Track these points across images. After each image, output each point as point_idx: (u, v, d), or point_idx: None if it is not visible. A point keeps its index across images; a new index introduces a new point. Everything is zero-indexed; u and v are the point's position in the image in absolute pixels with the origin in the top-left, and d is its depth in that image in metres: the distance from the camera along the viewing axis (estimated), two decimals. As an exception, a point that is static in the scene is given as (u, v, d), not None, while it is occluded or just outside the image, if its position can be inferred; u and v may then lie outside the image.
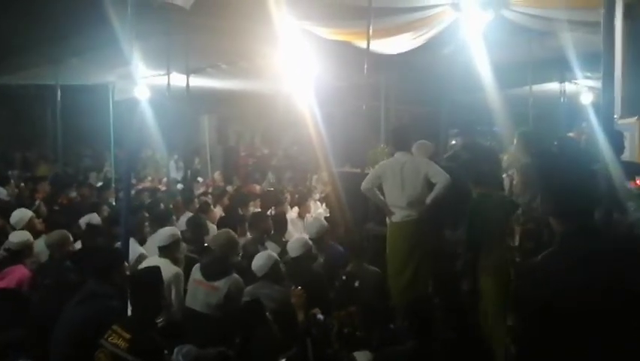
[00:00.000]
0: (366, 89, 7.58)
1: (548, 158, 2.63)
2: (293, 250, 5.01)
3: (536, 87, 9.73)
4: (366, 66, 6.91)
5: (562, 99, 10.80)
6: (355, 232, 5.97)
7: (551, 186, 2.05)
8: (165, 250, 4.69)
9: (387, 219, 5.31)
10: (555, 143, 5.64)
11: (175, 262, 4.63)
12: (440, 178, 4.97)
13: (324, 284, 4.84)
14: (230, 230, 4.96)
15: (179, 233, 4.93)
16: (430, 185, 5.07)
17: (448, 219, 5.38)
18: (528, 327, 1.93)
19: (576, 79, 9.96)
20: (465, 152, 6.07)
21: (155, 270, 3.56)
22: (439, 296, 4.78)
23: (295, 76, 8.22)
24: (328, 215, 7.10)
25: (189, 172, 10.77)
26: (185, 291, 4.54)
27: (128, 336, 3.21)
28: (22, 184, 8.38)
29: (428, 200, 5.03)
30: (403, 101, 10.06)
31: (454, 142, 8.64)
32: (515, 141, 5.86)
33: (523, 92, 9.67)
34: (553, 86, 10.64)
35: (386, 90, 9.30)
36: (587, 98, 9.91)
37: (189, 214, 6.73)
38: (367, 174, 5.77)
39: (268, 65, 8.17)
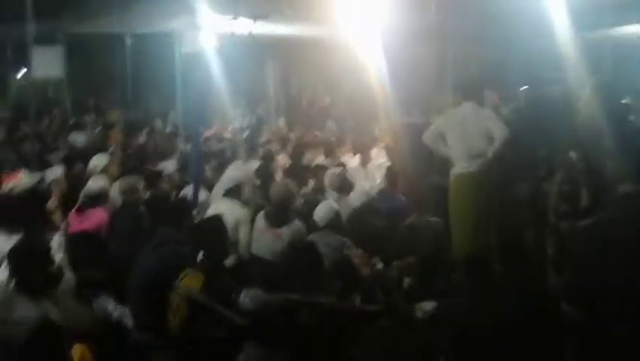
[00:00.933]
0: (434, 32, 7.38)
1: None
2: (354, 199, 5.08)
3: (615, 31, 9.18)
4: (434, 5, 6.69)
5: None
6: (418, 183, 5.96)
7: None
8: (230, 193, 4.87)
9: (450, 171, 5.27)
10: None
11: (241, 204, 4.79)
12: (499, 134, 4.88)
13: (384, 235, 4.91)
14: (288, 181, 5.06)
15: (242, 177, 5.09)
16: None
17: (512, 172, 5.30)
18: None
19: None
20: (528, 106, 5.87)
21: (215, 219, 3.73)
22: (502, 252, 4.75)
23: (359, 21, 8.09)
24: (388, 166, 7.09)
25: (254, 119, 10.91)
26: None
27: (201, 278, 3.40)
28: (97, 130, 8.74)
29: (489, 154, 4.96)
30: (470, 47, 9.71)
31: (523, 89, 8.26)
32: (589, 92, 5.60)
33: (600, 35, 9.14)
34: (634, 29, 9.97)
35: (454, 33, 8.99)
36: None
37: (254, 162, 6.87)
38: (431, 123, 5.71)
39: (332, 10, 8.04)
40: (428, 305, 3.90)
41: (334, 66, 10.68)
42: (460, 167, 5.07)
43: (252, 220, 4.76)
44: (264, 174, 5.93)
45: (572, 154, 5.01)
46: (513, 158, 4.99)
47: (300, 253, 3.83)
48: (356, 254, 4.22)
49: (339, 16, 8.16)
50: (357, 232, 4.76)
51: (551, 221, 4.80)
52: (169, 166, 6.03)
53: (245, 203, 4.91)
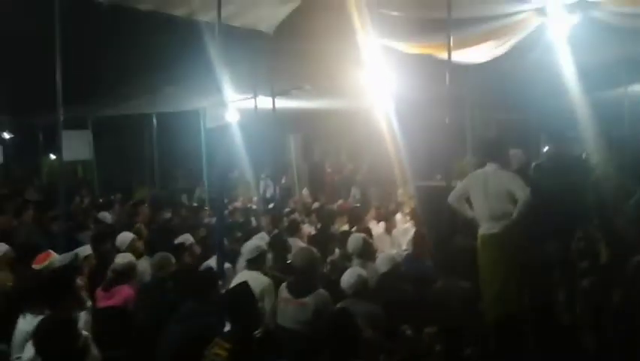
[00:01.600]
0: (449, 100, 7.50)
1: None
2: (381, 265, 5.04)
3: (631, 88, 9.22)
4: (447, 77, 6.84)
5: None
6: (443, 246, 5.90)
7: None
8: (253, 263, 4.88)
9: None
10: None
11: (264, 273, 4.79)
12: (520, 194, 4.87)
13: (413, 300, 4.82)
14: (312, 247, 5.05)
15: (265, 245, 5.10)
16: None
17: (538, 232, 5.23)
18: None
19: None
20: (550, 162, 5.88)
21: (244, 285, 3.72)
22: (532, 311, 4.64)
23: (377, 92, 8.27)
24: (414, 230, 7.05)
25: (277, 190, 11.05)
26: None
27: (228, 346, 3.37)
28: (124, 208, 8.93)
29: (514, 216, 4.93)
30: (488, 110, 9.83)
31: (546, 149, 8.27)
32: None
33: (617, 94, 9.19)
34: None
35: (470, 100, 9.14)
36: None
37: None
38: (453, 187, 5.71)
39: (351, 83, 8.28)
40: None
41: (355, 134, 10.88)
42: (485, 228, 5.06)
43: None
44: (279, 242, 5.91)
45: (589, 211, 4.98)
46: (539, 217, 4.95)
47: (332, 321, 3.77)
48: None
49: (358, 88, 8.38)
50: (386, 298, 4.68)
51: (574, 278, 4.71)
52: (187, 240, 6.06)
53: (266, 272, 4.91)
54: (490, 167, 5.11)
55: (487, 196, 5.02)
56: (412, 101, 8.35)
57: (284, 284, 4.58)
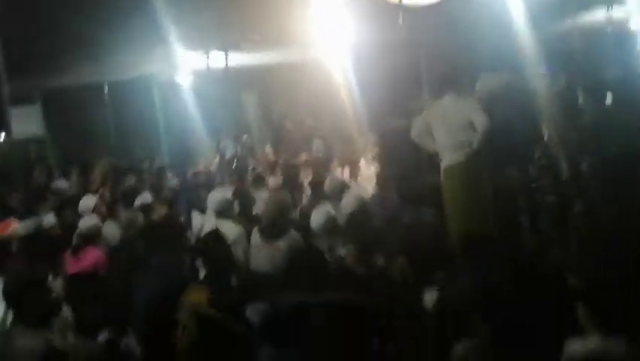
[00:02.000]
0: (403, 42, 7.52)
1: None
2: (346, 205, 5.07)
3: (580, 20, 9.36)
4: (400, 19, 6.83)
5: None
6: (408, 184, 5.98)
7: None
8: (222, 213, 4.87)
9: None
10: None
11: (235, 221, 4.78)
12: (481, 123, 4.92)
13: (382, 235, 4.89)
14: (282, 193, 5.05)
15: (230, 195, 5.10)
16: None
17: (504, 158, 5.33)
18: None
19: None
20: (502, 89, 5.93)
21: (216, 232, 3.74)
22: (499, 233, 4.77)
23: (330, 40, 8.21)
24: (378, 172, 7.12)
25: (238, 149, 10.94)
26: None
27: (205, 293, 3.37)
28: (83, 177, 8.71)
29: (475, 144, 5.00)
30: (441, 52, 9.85)
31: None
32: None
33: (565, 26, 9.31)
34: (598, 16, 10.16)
35: (425, 41, 9.15)
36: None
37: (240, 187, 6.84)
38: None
39: (300, 31, 8.17)
40: (432, 296, 3.90)
41: (312, 86, 10.79)
42: (448, 159, 5.10)
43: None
44: (242, 196, 5.89)
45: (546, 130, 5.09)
46: (501, 144, 5.03)
47: (303, 256, 3.80)
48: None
49: (308, 36, 8.28)
50: (356, 234, 4.72)
51: (538, 198, 4.83)
52: (146, 199, 5.96)
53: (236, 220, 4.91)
54: (449, 97, 5.12)
55: (449, 127, 5.03)
56: (364, 45, 8.31)
57: (255, 229, 4.58)
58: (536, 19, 8.15)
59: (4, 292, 2.84)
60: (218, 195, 5.08)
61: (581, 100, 5.23)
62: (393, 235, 5.06)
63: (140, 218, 5.15)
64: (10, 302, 2.83)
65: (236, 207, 5.04)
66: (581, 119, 5.11)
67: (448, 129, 5.05)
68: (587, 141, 4.69)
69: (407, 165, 6.25)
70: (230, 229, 4.58)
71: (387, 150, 6.73)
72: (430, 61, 8.16)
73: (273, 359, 2.81)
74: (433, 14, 8.62)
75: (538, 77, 6.04)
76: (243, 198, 5.86)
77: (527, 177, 5.11)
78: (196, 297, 3.43)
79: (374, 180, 6.98)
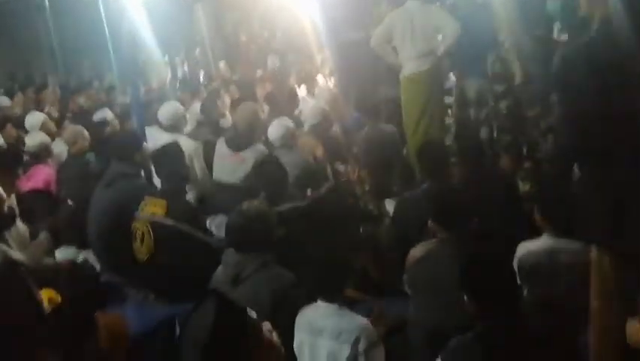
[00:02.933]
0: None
1: None
2: (311, 116, 5.02)
3: None
4: None
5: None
6: (367, 96, 5.93)
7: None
8: (172, 128, 4.78)
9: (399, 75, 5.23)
10: None
11: (186, 137, 4.70)
12: (450, 28, 4.84)
13: (342, 145, 4.90)
14: (253, 104, 4.94)
15: (182, 109, 5.00)
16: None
17: (464, 68, 5.30)
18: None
19: None
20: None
21: (174, 143, 3.68)
22: (456, 142, 4.83)
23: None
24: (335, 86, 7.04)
25: (192, 65, 10.62)
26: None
27: (163, 203, 3.32)
28: (27, 94, 8.33)
29: (440, 50, 4.94)
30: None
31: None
32: None
33: None
34: None
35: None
36: None
37: (198, 104, 6.70)
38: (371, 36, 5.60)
39: None
40: (390, 203, 3.98)
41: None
42: (410, 68, 5.02)
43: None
44: (209, 106, 5.79)
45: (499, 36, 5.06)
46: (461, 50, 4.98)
47: (265, 171, 3.79)
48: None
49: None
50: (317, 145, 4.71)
51: (491, 104, 4.88)
52: (106, 114, 5.81)
53: (192, 137, 4.82)
54: (412, 3, 4.99)
55: (415, 34, 4.91)
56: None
57: (221, 139, 4.47)
58: None
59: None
60: (169, 109, 4.94)
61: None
62: (353, 146, 5.09)
63: (86, 133, 4.96)
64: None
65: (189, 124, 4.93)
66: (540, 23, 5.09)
67: (413, 36, 4.93)
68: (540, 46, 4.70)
69: (365, 77, 6.18)
70: (183, 144, 4.49)
71: (344, 63, 6.60)
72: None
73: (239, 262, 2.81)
74: None
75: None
76: (211, 108, 5.75)
77: (485, 85, 5.11)
78: (152, 208, 3.39)
79: (332, 95, 6.89)
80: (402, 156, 5.04)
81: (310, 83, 7.84)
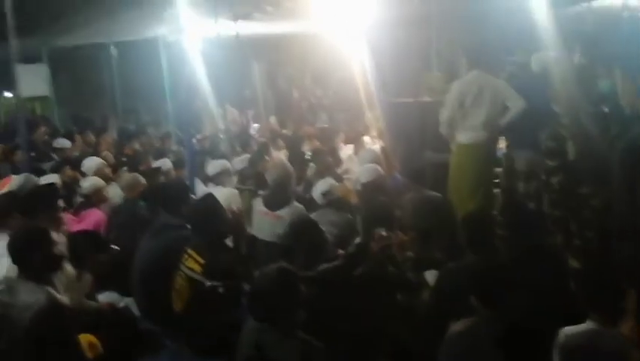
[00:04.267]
0: (415, 18, 7.40)
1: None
2: (363, 175, 5.06)
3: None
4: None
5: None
6: (413, 160, 5.96)
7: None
8: (216, 180, 5.13)
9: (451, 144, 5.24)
10: None
11: (228, 188, 4.88)
12: (516, 103, 4.91)
13: (390, 211, 4.88)
14: (284, 162, 5.07)
15: (228, 164, 5.16)
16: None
17: (515, 139, 5.30)
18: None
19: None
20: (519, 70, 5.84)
21: (209, 196, 3.77)
22: (504, 214, 4.76)
23: (341, 12, 8.09)
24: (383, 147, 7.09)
25: (244, 119, 10.92)
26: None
27: (201, 260, 3.37)
28: (86, 138, 8.70)
29: (503, 122, 4.97)
30: (453, 30, 9.74)
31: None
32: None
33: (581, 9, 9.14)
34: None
35: (436, 19, 9.04)
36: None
37: (247, 156, 6.87)
38: (422, 102, 5.69)
39: (313, 4, 8.06)
40: (433, 274, 3.91)
41: (321, 59, 10.69)
42: (469, 136, 5.03)
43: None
44: (256, 160, 5.95)
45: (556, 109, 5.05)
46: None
47: (302, 232, 3.82)
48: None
49: (321, 9, 8.17)
50: (364, 209, 4.71)
51: (542, 178, 4.81)
52: (165, 163, 6.03)
53: (238, 189, 4.96)
54: (478, 73, 5.05)
55: (483, 105, 4.97)
56: (377, 20, 8.20)
57: (259, 198, 4.59)
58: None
59: (8, 247, 2.85)
60: (216, 163, 5.15)
61: (595, 81, 5.18)
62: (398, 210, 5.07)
63: (142, 180, 5.14)
64: (14, 257, 2.84)
65: (240, 174, 5.07)
66: (595, 100, 5.06)
67: (480, 107, 4.98)
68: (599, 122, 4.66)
69: (412, 140, 6.22)
70: (223, 193, 4.66)
71: (393, 125, 6.67)
72: (442, 37, 8.08)
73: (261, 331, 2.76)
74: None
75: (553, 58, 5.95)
76: (257, 162, 5.92)
77: (536, 158, 5.08)
78: (192, 263, 3.44)
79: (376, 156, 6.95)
80: (446, 226, 4.99)
81: (357, 142, 7.93)
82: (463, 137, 5.07)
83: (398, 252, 4.31)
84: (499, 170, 5.61)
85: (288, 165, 4.80)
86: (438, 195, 5.13)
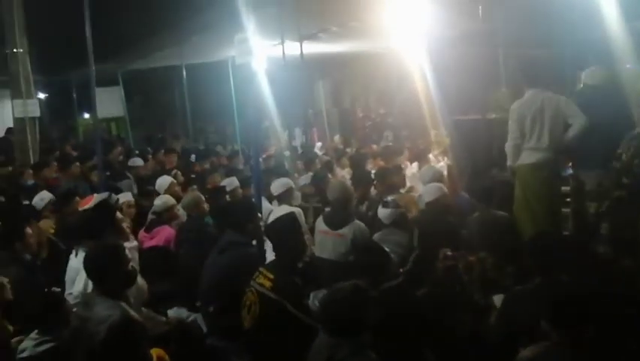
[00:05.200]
0: (482, 35, 7.32)
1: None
2: (428, 194, 5.02)
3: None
4: (480, 10, 6.65)
5: None
6: (479, 178, 5.85)
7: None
8: (280, 198, 5.21)
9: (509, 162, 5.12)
10: None
11: (292, 206, 4.99)
12: (579, 120, 4.74)
13: (456, 230, 4.81)
14: (344, 181, 5.10)
15: (292, 183, 5.39)
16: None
17: (583, 156, 5.11)
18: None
19: None
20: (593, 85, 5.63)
21: (291, 215, 3.80)
22: (574, 235, 4.59)
23: (406, 31, 8.10)
24: (449, 165, 7.00)
25: (308, 136, 11.06)
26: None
27: (271, 276, 3.44)
28: (157, 157, 9.04)
29: (565, 140, 4.82)
30: (521, 45, 9.54)
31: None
32: None
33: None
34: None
35: (503, 35, 8.89)
36: None
37: (311, 174, 6.95)
38: (489, 119, 5.59)
39: (378, 22, 8.11)
40: (499, 296, 3.81)
41: (385, 77, 10.73)
42: (532, 156, 4.90)
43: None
44: (319, 178, 6.03)
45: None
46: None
47: (362, 251, 3.82)
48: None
49: (386, 28, 8.21)
50: (428, 228, 4.66)
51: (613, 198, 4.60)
52: (232, 182, 6.20)
53: (301, 207, 5.03)
54: (536, 92, 4.92)
55: (545, 123, 4.82)
56: (442, 38, 8.16)
57: (321, 217, 4.63)
58: (623, 13, 7.71)
59: (85, 264, 3.00)
60: (279, 181, 5.32)
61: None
62: (462, 230, 4.98)
63: (203, 199, 5.33)
64: (90, 273, 2.98)
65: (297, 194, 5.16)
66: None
67: (541, 128, 4.83)
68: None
69: (478, 158, 6.11)
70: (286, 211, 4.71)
71: (460, 143, 6.58)
72: (510, 53, 7.92)
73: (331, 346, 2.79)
74: (513, 5, 8.35)
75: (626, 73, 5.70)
76: (320, 180, 6.01)
77: (606, 175, 4.87)
78: (262, 280, 3.51)
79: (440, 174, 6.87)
80: (513, 247, 4.86)
81: (422, 160, 7.86)
82: (527, 157, 4.91)
83: (464, 272, 4.24)
84: (566, 189, 5.41)
85: (349, 184, 4.82)
86: (504, 214, 5.02)
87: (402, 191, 6.10)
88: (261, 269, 3.55)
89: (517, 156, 5.01)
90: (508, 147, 5.04)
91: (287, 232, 3.63)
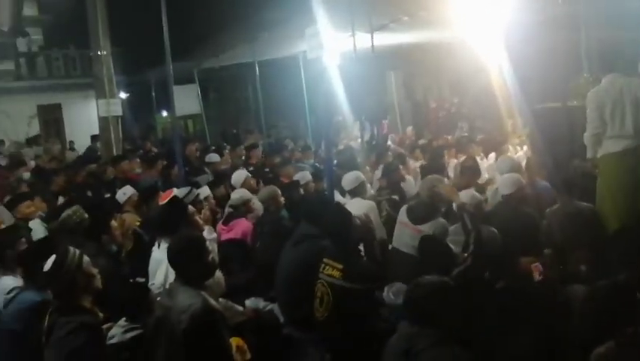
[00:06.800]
0: (561, 18, 7.01)
1: None
2: (504, 186, 4.88)
3: None
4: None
5: None
6: (561, 168, 5.62)
7: None
8: (353, 193, 5.17)
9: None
10: None
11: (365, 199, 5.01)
12: None
13: (536, 224, 4.65)
14: (436, 179, 4.97)
15: (363, 177, 5.35)
16: None
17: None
18: None
19: None
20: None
21: (338, 205, 4.00)
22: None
23: (481, 18, 7.88)
24: (529, 156, 6.77)
25: (380, 129, 11.00)
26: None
27: (340, 266, 3.47)
28: (236, 152, 9.27)
29: None
30: (604, 29, 9.07)
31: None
32: None
33: None
34: None
35: (585, 18, 8.48)
36: None
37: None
38: (569, 107, 5.35)
39: (452, 11, 7.93)
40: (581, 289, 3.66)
41: (458, 67, 10.48)
42: (617, 145, 4.65)
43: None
44: (391, 170, 5.99)
45: None
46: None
47: (428, 246, 3.80)
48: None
49: (458, 15, 8.01)
50: (506, 220, 4.51)
51: None
52: (304, 176, 6.27)
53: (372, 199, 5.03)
54: (613, 77, 4.66)
55: (626, 109, 4.58)
56: (520, 25, 7.87)
57: (403, 208, 4.52)
58: None
59: (168, 255, 3.13)
60: (351, 175, 5.31)
61: None
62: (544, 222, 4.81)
63: (279, 192, 5.42)
64: (174, 264, 3.10)
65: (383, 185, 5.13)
66: None
67: (624, 114, 4.58)
68: None
69: (559, 148, 5.86)
70: (361, 205, 4.78)
71: (541, 132, 6.32)
72: (592, 37, 7.55)
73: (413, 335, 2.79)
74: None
75: None
76: (392, 172, 6.00)
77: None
78: (330, 271, 3.54)
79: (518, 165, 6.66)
80: (597, 239, 4.64)
81: (499, 151, 7.66)
82: (611, 146, 4.66)
83: (544, 267, 4.10)
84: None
85: (441, 179, 4.76)
86: (589, 205, 4.81)
87: (479, 182, 5.97)
88: (325, 260, 3.59)
89: (597, 146, 4.77)
90: (588, 138, 4.81)
91: (342, 219, 3.77)
